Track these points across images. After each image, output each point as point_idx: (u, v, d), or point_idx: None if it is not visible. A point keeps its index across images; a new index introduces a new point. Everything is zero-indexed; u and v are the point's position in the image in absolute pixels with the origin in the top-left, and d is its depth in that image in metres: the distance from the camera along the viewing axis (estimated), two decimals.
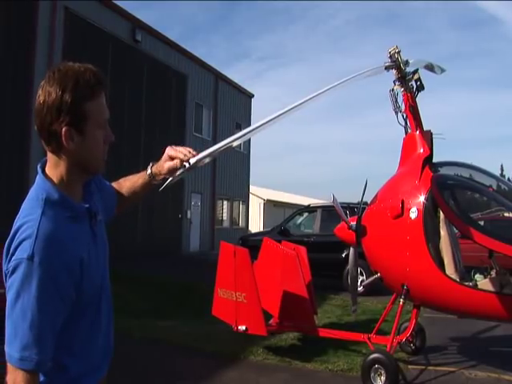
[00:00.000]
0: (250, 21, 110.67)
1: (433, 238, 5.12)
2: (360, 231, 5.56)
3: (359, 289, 7.86)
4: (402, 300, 5.14)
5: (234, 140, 2.10)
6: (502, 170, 76.04)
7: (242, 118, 25.53)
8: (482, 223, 5.86)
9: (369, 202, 5.84)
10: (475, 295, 4.74)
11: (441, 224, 5.32)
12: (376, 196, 5.60)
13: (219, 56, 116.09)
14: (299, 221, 13.46)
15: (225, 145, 2.05)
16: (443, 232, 5.30)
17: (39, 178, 1.44)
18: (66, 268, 1.34)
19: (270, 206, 35.65)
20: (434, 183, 4.99)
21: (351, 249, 6.02)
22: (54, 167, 1.44)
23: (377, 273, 5.57)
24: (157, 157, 1.88)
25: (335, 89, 3.14)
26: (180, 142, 2.25)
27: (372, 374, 4.80)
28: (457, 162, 5.67)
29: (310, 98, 2.67)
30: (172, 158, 1.79)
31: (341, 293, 10.37)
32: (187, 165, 1.78)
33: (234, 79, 25.72)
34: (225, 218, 24.90)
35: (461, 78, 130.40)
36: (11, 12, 12.33)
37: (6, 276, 1.34)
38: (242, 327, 5.59)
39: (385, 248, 5.26)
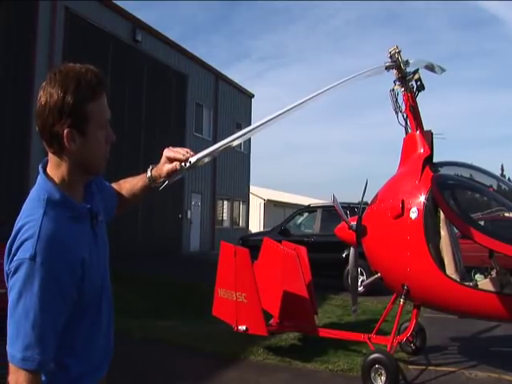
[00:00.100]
0: (251, 21, 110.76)
1: (433, 237, 5.12)
2: (360, 231, 5.56)
3: (359, 289, 7.86)
4: (402, 300, 5.14)
5: (233, 139, 2.10)
6: (503, 170, 76.04)
7: (243, 118, 25.53)
8: (482, 223, 5.85)
9: (369, 202, 5.84)
10: (475, 295, 4.74)
11: (441, 224, 5.33)
12: (376, 196, 5.60)
13: (219, 56, 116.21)
14: (299, 221, 13.46)
15: (224, 144, 2.05)
16: (443, 232, 5.31)
17: (41, 178, 1.44)
18: (68, 268, 1.35)
19: (271, 205, 35.65)
20: (434, 183, 4.99)
21: (351, 249, 6.02)
22: (55, 168, 1.44)
23: (377, 273, 5.57)
24: (157, 157, 1.88)
25: (335, 89, 3.14)
26: (180, 143, 2.25)
27: (372, 374, 4.80)
28: (457, 162, 5.67)
29: (310, 98, 2.67)
30: (171, 160, 1.80)
31: (341, 293, 10.37)
32: (188, 164, 1.78)
33: (235, 79, 25.79)
34: (225, 217, 24.91)
35: (461, 78, 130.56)
36: (11, 12, 12.33)
37: (7, 276, 1.34)
38: (243, 327, 5.59)
39: (385, 248, 5.26)
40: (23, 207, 1.41)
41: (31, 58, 12.74)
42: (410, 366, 5.57)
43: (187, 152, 1.79)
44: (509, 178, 60.59)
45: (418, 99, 5.35)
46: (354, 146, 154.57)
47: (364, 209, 5.78)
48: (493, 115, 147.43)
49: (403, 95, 5.33)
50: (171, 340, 6.53)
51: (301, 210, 13.94)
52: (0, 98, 12.07)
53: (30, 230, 1.32)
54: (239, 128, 23.30)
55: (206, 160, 1.94)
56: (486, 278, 5.17)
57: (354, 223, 5.73)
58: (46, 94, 1.37)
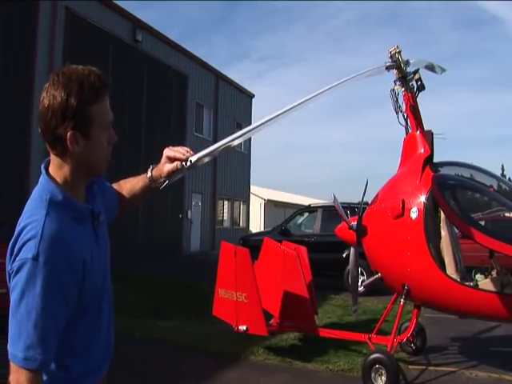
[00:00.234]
0: (251, 21, 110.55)
1: (433, 237, 5.12)
2: (361, 231, 5.57)
3: (360, 289, 7.87)
4: (402, 300, 5.14)
5: (233, 139, 2.10)
6: (503, 169, 75.86)
7: (243, 118, 25.53)
8: (482, 223, 5.85)
9: (369, 202, 5.84)
10: (476, 295, 4.74)
11: (441, 224, 5.33)
12: (377, 196, 5.60)
13: (220, 56, 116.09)
14: (300, 221, 13.47)
15: (225, 144, 2.05)
16: (444, 232, 5.31)
17: (43, 178, 1.44)
18: (70, 268, 1.35)
19: (271, 205, 35.67)
20: (434, 183, 4.99)
21: (352, 249, 6.02)
22: (57, 168, 1.44)
23: (377, 273, 5.57)
24: (158, 157, 1.88)
25: (335, 89, 3.14)
26: (181, 143, 2.26)
27: (373, 374, 4.81)
28: (457, 162, 5.67)
29: (310, 98, 2.67)
30: (171, 159, 1.80)
31: (341, 293, 10.37)
32: (188, 163, 1.79)
33: (235, 79, 25.78)
34: (225, 217, 24.91)
35: (461, 77, 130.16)
36: (12, 12, 12.33)
37: (9, 276, 1.34)
38: (243, 327, 5.59)
39: (385, 248, 5.26)
40: (25, 207, 1.41)
41: (31, 58, 12.73)
42: (411, 366, 5.57)
43: (187, 151, 1.79)
44: (509, 178, 60.53)
45: (418, 99, 5.35)
46: (354, 145, 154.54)
47: (364, 209, 5.78)
48: (493, 115, 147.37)
49: (403, 95, 5.33)
50: (172, 340, 6.53)
51: (301, 210, 13.94)
52: (0, 98, 12.07)
53: (33, 231, 1.32)
54: (239, 128, 23.29)
55: (207, 160, 1.94)
56: (486, 278, 5.18)
57: (354, 223, 5.74)
58: (48, 96, 1.36)
